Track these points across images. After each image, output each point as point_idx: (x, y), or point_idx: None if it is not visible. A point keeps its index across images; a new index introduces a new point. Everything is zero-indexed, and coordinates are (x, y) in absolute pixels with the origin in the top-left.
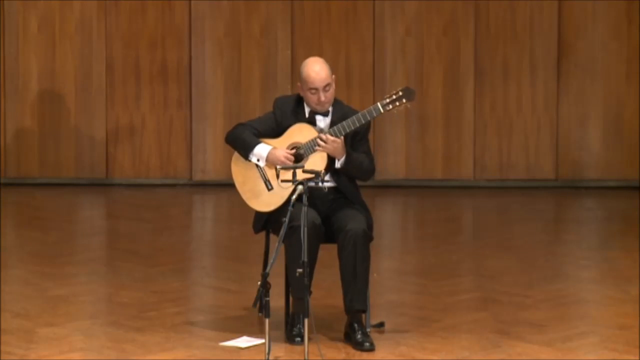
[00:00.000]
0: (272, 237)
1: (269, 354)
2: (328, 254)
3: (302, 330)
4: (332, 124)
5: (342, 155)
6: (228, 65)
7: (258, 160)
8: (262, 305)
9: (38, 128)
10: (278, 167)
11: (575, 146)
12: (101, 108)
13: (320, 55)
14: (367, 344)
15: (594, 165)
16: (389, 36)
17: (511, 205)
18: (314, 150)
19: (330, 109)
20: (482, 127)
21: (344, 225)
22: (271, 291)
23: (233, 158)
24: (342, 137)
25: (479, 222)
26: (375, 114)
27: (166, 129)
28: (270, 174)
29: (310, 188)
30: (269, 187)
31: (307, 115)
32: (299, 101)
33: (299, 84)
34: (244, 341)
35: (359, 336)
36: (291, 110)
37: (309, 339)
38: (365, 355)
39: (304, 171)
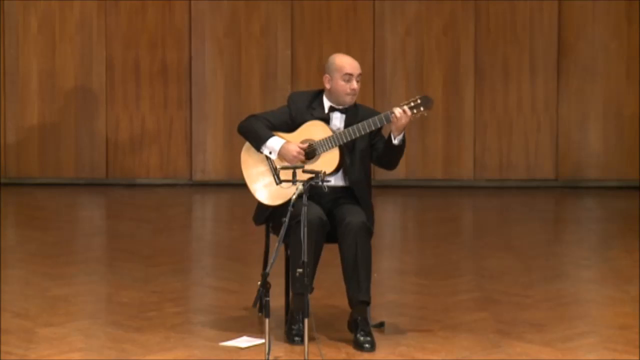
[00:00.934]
0: (272, 237)
1: (269, 354)
2: (329, 253)
3: (302, 330)
4: (347, 122)
5: (400, 132)
6: (228, 65)
7: (270, 152)
8: (262, 305)
9: (38, 128)
10: (278, 167)
11: (575, 146)
12: (101, 108)
13: (320, 55)
14: (367, 345)
15: (594, 165)
16: (389, 36)
17: (511, 205)
18: (328, 148)
19: (348, 108)
20: (482, 127)
21: (343, 219)
22: (271, 291)
23: (244, 148)
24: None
25: (479, 222)
26: (391, 120)
27: (166, 129)
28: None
29: (313, 187)
30: (277, 181)
31: (326, 111)
32: (317, 96)
33: (326, 76)
34: (244, 341)
35: (359, 335)
36: (306, 105)
37: (310, 338)
38: (365, 355)
39: (304, 171)
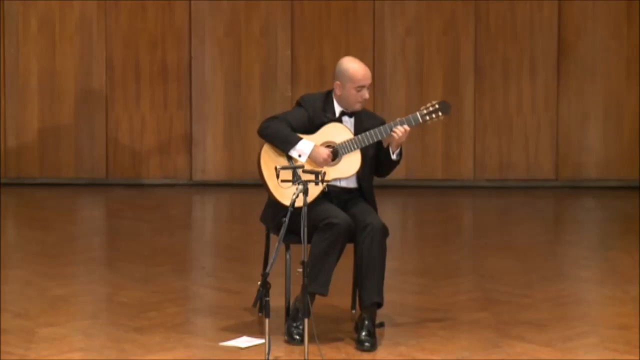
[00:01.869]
0: (272, 237)
1: (269, 354)
2: None
3: (302, 330)
4: (356, 125)
5: (398, 147)
6: (228, 65)
7: (299, 156)
8: (262, 305)
9: (38, 128)
10: (278, 167)
11: (575, 146)
12: (101, 108)
13: (320, 55)
14: (368, 344)
15: (594, 165)
16: (389, 36)
17: (511, 205)
18: (350, 151)
19: (356, 112)
20: (482, 127)
21: (363, 219)
22: (271, 291)
23: (263, 150)
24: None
25: (479, 222)
26: (413, 124)
27: (166, 129)
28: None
29: (328, 187)
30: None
31: (337, 114)
32: (326, 98)
33: (337, 83)
34: (244, 341)
35: (362, 334)
36: (321, 107)
37: (310, 338)
38: (365, 355)
39: (304, 171)
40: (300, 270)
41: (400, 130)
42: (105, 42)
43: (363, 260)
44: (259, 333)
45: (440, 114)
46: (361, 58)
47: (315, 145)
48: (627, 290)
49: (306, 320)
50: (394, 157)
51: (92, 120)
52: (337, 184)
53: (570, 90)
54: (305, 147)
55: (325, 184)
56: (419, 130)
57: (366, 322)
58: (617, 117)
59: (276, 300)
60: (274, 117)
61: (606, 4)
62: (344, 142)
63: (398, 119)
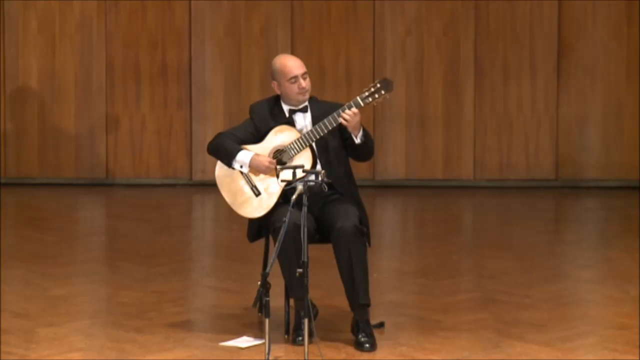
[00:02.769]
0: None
1: (269, 354)
2: (328, 254)
3: (302, 330)
4: (313, 119)
5: (359, 130)
6: (228, 65)
7: (241, 167)
8: (262, 305)
9: (38, 128)
10: (278, 167)
11: (575, 146)
12: (101, 108)
13: (320, 55)
14: (367, 345)
15: (594, 165)
16: (389, 36)
17: (511, 205)
18: (299, 150)
19: (308, 105)
20: (482, 127)
21: (334, 223)
22: (271, 291)
23: (217, 168)
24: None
25: (479, 222)
26: (355, 108)
27: (166, 129)
28: (257, 179)
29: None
30: (256, 192)
31: (287, 114)
32: (275, 102)
33: (274, 82)
34: (244, 341)
35: (360, 337)
36: (268, 113)
37: (311, 335)
38: (365, 355)
39: (303, 171)
40: (300, 270)
41: (348, 115)
42: (105, 42)
43: (342, 265)
44: (259, 333)
45: (383, 92)
46: (361, 58)
47: (254, 154)
48: (627, 290)
49: (306, 320)
50: (357, 140)
51: (92, 120)
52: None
53: (570, 90)
54: (244, 157)
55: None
56: (419, 130)
57: (360, 325)
58: (617, 117)
59: (276, 300)
60: (220, 134)
61: (606, 4)
62: (290, 143)
63: (345, 104)
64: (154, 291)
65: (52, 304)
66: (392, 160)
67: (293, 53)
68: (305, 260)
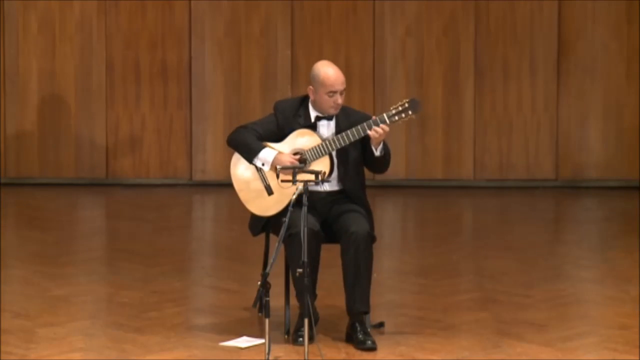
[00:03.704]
0: (272, 237)
1: (269, 354)
2: (328, 254)
3: (302, 330)
4: (337, 128)
5: (379, 143)
6: (228, 65)
7: (263, 164)
8: (262, 305)
9: (38, 128)
10: (278, 167)
11: (575, 146)
12: (101, 108)
13: (320, 55)
14: (369, 342)
15: (594, 165)
16: (389, 36)
17: (511, 205)
18: (318, 157)
19: (335, 115)
20: (482, 127)
21: (347, 227)
22: (271, 291)
23: (233, 160)
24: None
25: (479, 222)
26: (386, 126)
27: (166, 129)
28: (272, 178)
29: (310, 190)
30: (269, 192)
31: (312, 119)
32: (301, 104)
33: (310, 87)
34: (244, 341)
35: (360, 335)
36: (293, 114)
37: (310, 338)
38: (365, 355)
39: (304, 171)
40: (300, 270)
41: (378, 132)
42: (105, 42)
43: (348, 269)
44: (259, 333)
45: (410, 112)
46: (361, 58)
47: (278, 153)
48: (627, 290)
49: (306, 320)
50: (377, 153)
51: (92, 120)
52: (320, 188)
53: (570, 90)
54: (267, 155)
55: (325, 185)
56: (419, 130)
57: (358, 327)
58: (617, 117)
59: (276, 300)
60: (242, 127)
61: (606, 4)
62: (311, 149)
63: (372, 119)
64: (154, 291)
65: (52, 304)
66: (392, 160)
67: (293, 53)
68: (305, 260)
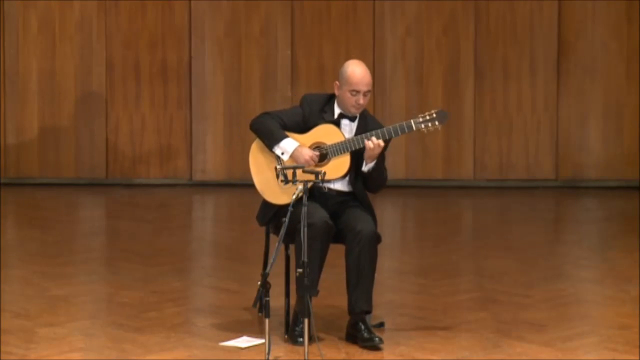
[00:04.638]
0: (272, 237)
1: (269, 354)
2: (330, 254)
3: (303, 330)
4: (357, 130)
5: (373, 160)
6: (228, 65)
7: (282, 153)
8: (262, 305)
9: (38, 128)
10: (278, 167)
11: (575, 146)
12: (101, 108)
13: (320, 55)
14: (377, 339)
15: (594, 165)
16: (389, 36)
17: (511, 205)
18: (339, 154)
19: (358, 116)
20: (482, 127)
21: (354, 226)
22: (271, 291)
23: (254, 145)
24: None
25: (479, 222)
26: (407, 131)
27: (166, 129)
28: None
29: (318, 189)
30: (285, 180)
31: (335, 116)
32: (329, 101)
33: (337, 82)
34: (244, 341)
35: (365, 334)
36: (319, 109)
37: (310, 338)
38: (365, 355)
39: (304, 171)
40: (300, 270)
41: (372, 142)
42: (105, 42)
43: (353, 268)
44: (259, 333)
45: (437, 123)
46: (361, 58)
47: (299, 145)
48: (627, 290)
49: (306, 320)
50: (364, 167)
51: (92, 120)
52: (331, 186)
53: (570, 90)
54: (288, 145)
55: (324, 185)
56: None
57: (362, 326)
58: (617, 117)
59: (276, 300)
60: (267, 113)
61: (606, 4)
62: (334, 145)
63: (391, 126)
64: (154, 291)
65: (52, 304)
66: (392, 160)
67: (293, 53)
68: (305, 260)
